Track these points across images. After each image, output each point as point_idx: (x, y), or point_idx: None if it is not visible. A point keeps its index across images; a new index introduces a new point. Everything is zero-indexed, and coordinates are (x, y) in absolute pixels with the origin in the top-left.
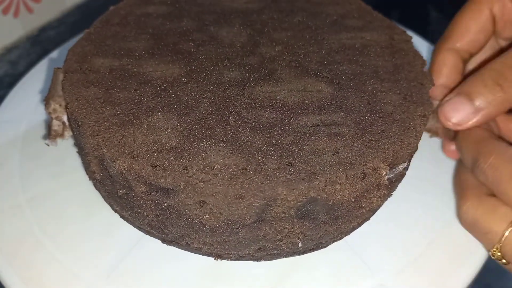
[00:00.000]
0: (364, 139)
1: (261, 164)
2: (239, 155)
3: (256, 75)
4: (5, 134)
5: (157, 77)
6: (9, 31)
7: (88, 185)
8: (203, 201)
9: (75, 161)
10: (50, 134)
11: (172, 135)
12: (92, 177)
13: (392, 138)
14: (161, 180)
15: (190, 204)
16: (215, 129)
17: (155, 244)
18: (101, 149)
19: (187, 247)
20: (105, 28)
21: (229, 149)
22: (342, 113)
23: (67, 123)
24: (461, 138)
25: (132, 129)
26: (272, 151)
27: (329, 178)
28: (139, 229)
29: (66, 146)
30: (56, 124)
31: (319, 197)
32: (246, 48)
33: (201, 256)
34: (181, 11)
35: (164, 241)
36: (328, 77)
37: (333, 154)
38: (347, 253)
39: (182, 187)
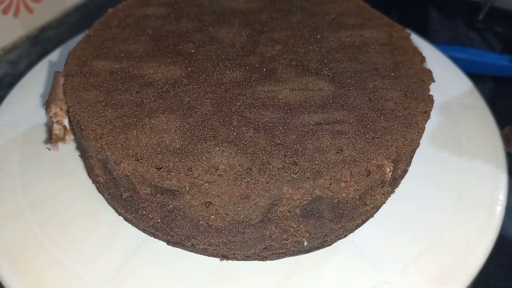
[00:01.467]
0: (367, 136)
1: (266, 163)
2: (243, 155)
3: (257, 75)
4: (4, 137)
5: (158, 79)
6: (9, 31)
7: (90, 186)
8: (209, 202)
9: (76, 163)
10: (51, 139)
11: (176, 137)
12: (95, 180)
13: (395, 135)
14: (166, 182)
15: (196, 205)
16: (218, 130)
17: (159, 245)
18: (105, 152)
19: (193, 249)
20: (104, 30)
21: (233, 150)
22: (344, 111)
23: (68, 127)
24: None
25: (135, 131)
26: (276, 150)
27: (334, 176)
28: (143, 231)
29: (66, 148)
30: (57, 128)
31: (324, 195)
32: (246, 48)
33: (206, 257)
34: (180, 12)
35: (169, 243)
36: (329, 75)
37: (337, 152)
38: (351, 251)
39: (187, 188)
